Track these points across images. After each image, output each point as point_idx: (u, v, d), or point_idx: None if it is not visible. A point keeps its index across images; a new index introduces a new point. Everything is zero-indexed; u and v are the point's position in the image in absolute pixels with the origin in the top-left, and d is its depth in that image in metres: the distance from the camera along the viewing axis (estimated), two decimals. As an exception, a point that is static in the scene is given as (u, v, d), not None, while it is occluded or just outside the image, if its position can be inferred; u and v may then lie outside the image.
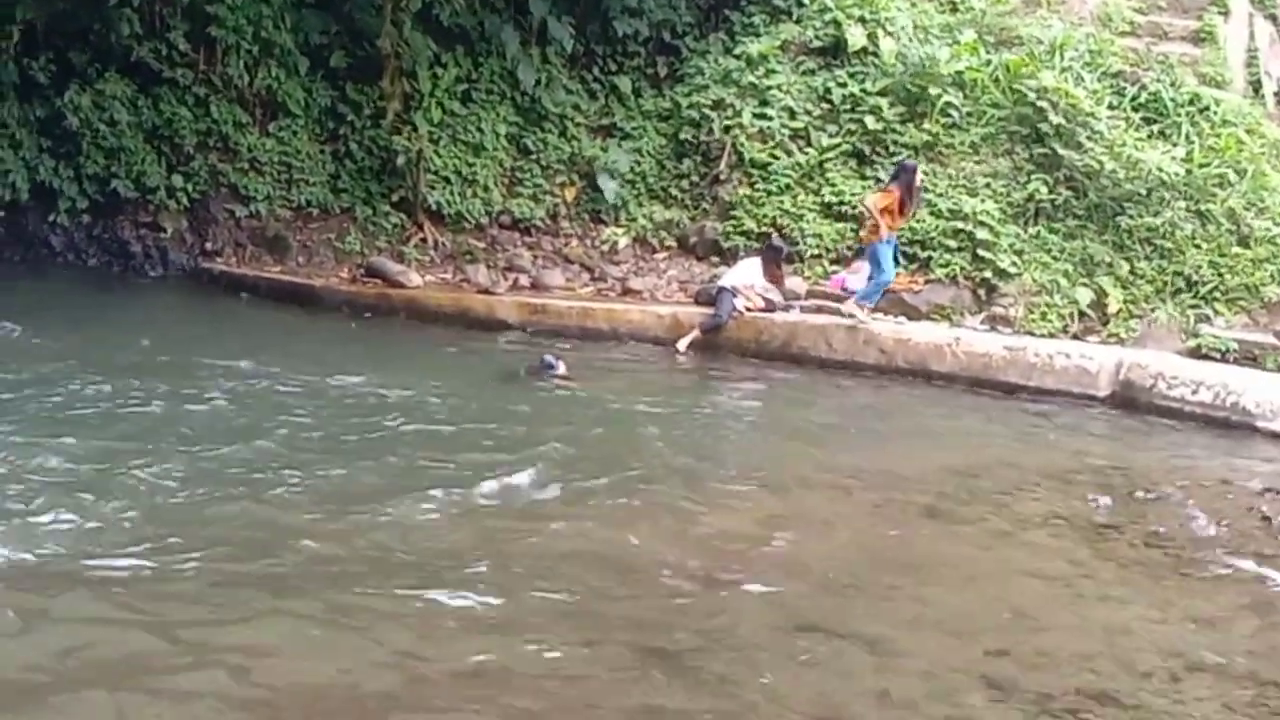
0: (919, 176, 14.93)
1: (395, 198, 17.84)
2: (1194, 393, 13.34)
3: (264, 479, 9.14)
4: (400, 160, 17.60)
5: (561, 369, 13.05)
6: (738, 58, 18.00)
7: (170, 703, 5.80)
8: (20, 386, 11.31)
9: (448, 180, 17.82)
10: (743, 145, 17.33)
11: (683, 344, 14.91)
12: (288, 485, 9.03)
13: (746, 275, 15.28)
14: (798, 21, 18.25)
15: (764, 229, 16.60)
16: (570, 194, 18.07)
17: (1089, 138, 16.11)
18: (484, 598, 7.23)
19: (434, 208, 17.68)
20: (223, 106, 17.72)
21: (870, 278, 14.87)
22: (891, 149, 16.80)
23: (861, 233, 15.37)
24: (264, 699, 5.90)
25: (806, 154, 17.12)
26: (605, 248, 17.53)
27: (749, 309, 15.07)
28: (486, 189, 17.88)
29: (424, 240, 17.66)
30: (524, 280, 16.89)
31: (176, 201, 17.65)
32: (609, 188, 17.73)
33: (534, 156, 18.25)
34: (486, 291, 16.46)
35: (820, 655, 6.79)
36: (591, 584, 7.59)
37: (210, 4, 16.67)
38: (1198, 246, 15.51)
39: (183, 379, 11.95)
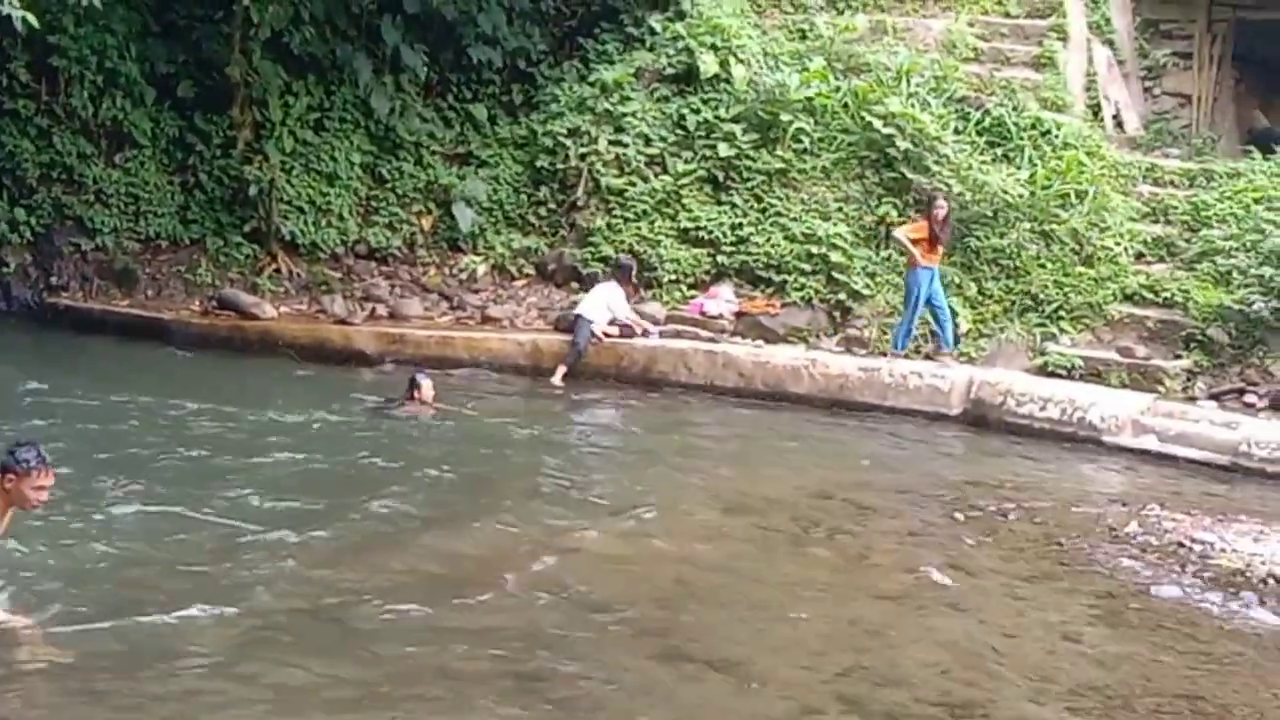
0: (939, 208, 14.79)
1: (247, 228, 17.56)
2: (1042, 409, 13.68)
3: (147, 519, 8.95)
4: (252, 190, 17.33)
5: (425, 390, 12.91)
6: (592, 85, 18.08)
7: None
8: None
9: (301, 210, 17.60)
10: (599, 172, 17.40)
11: (557, 377, 14.88)
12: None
13: (603, 300, 15.30)
14: (651, 49, 18.40)
15: (622, 254, 16.66)
16: (427, 223, 17.97)
17: (936, 161, 16.47)
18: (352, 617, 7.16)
19: (288, 238, 17.45)
20: (66, 138, 17.28)
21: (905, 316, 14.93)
22: (745, 174, 17.01)
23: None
24: None
25: (662, 180, 17.24)
26: (464, 276, 17.46)
27: (606, 334, 15.11)
28: (342, 218, 17.71)
29: (278, 271, 17.41)
30: (382, 310, 16.72)
31: (19, 235, 17.14)
32: (465, 216, 17.67)
33: (389, 185, 18.12)
34: (343, 322, 16.26)
35: (681, 677, 6.80)
36: (455, 605, 7.53)
37: (52, 34, 16.26)
38: (1043, 266, 15.92)
39: (34, 416, 11.62)
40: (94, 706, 6.04)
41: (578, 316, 15.22)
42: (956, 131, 16.97)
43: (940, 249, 14.88)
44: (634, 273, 15.88)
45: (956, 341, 15.05)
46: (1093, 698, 6.84)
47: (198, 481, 9.85)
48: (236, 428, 11.81)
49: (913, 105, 16.95)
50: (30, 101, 17.23)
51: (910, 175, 16.46)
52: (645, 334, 15.29)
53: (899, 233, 15.14)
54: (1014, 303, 15.80)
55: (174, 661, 6.56)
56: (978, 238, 16.04)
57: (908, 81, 17.42)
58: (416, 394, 12.82)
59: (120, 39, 17.36)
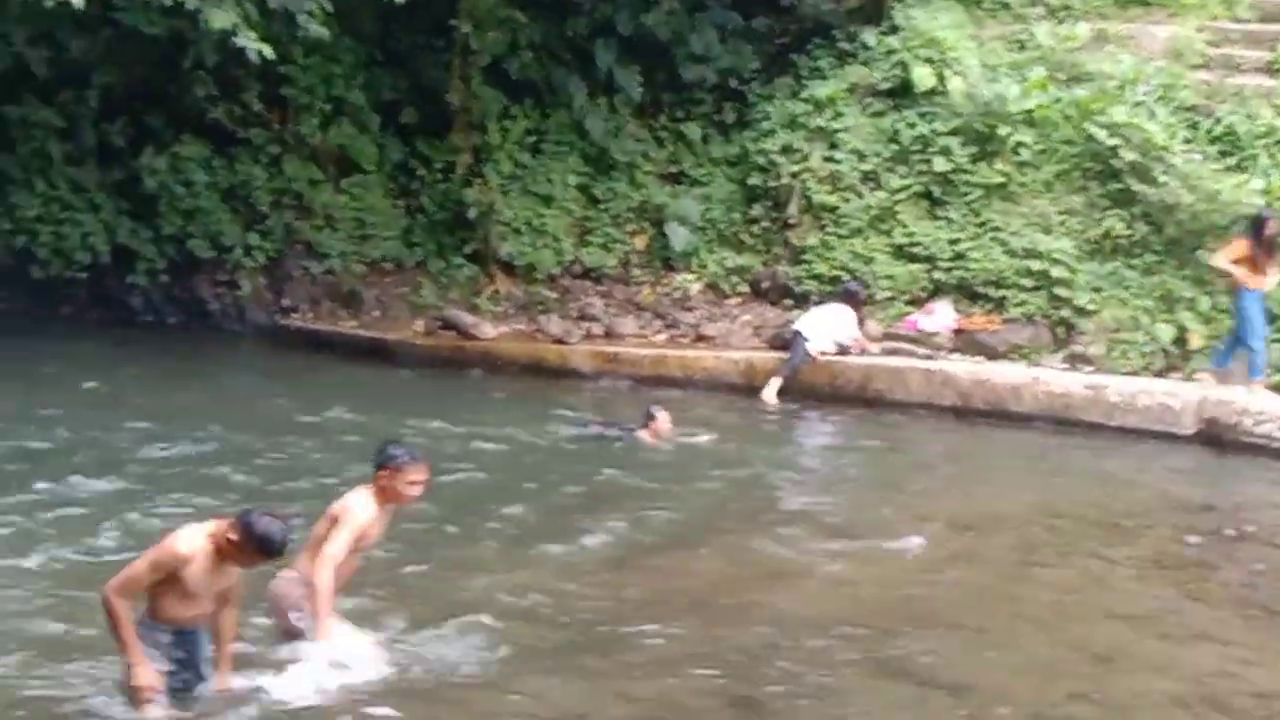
0: (1270, 225, 13.81)
1: (468, 250, 17.94)
2: (1281, 429, 13.05)
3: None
4: (472, 213, 17.72)
5: (661, 422, 12.87)
6: (805, 101, 17.94)
7: None
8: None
9: (519, 231, 17.90)
10: (812, 189, 17.26)
11: (769, 394, 14.78)
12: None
13: (827, 320, 15.14)
14: (864, 64, 18.16)
15: (836, 272, 16.48)
16: (641, 242, 18.08)
17: (1164, 172, 15.86)
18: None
19: (506, 259, 17.76)
20: (296, 164, 17.97)
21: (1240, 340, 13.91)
22: (962, 189, 16.65)
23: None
24: None
25: (877, 196, 17.00)
26: (677, 294, 17.50)
27: (823, 353, 14.97)
28: (557, 239, 17.95)
29: (497, 291, 17.74)
30: (597, 329, 16.88)
31: (253, 259, 17.89)
32: (679, 235, 17.72)
33: (604, 206, 18.29)
34: (560, 341, 16.48)
35: (907, 700, 6.68)
36: (680, 629, 7.54)
37: (282, 65, 16.92)
38: (1282, 279, 15.21)
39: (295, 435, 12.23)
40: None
41: (796, 333, 15.11)
42: (1185, 141, 16.34)
43: (1272, 269, 13.87)
44: (862, 296, 15.65)
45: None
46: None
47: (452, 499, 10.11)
48: (461, 446, 12.04)
49: (1138, 115, 16.37)
50: (262, 130, 17.97)
51: (1136, 187, 15.89)
52: (863, 353, 15.10)
53: (1216, 259, 14.38)
54: (1250, 318, 15.11)
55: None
56: (1210, 250, 15.41)
57: (1133, 90, 16.84)
58: (651, 425, 12.80)
59: (346, 68, 17.99)
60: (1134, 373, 14.65)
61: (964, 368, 14.76)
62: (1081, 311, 15.37)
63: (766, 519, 10.19)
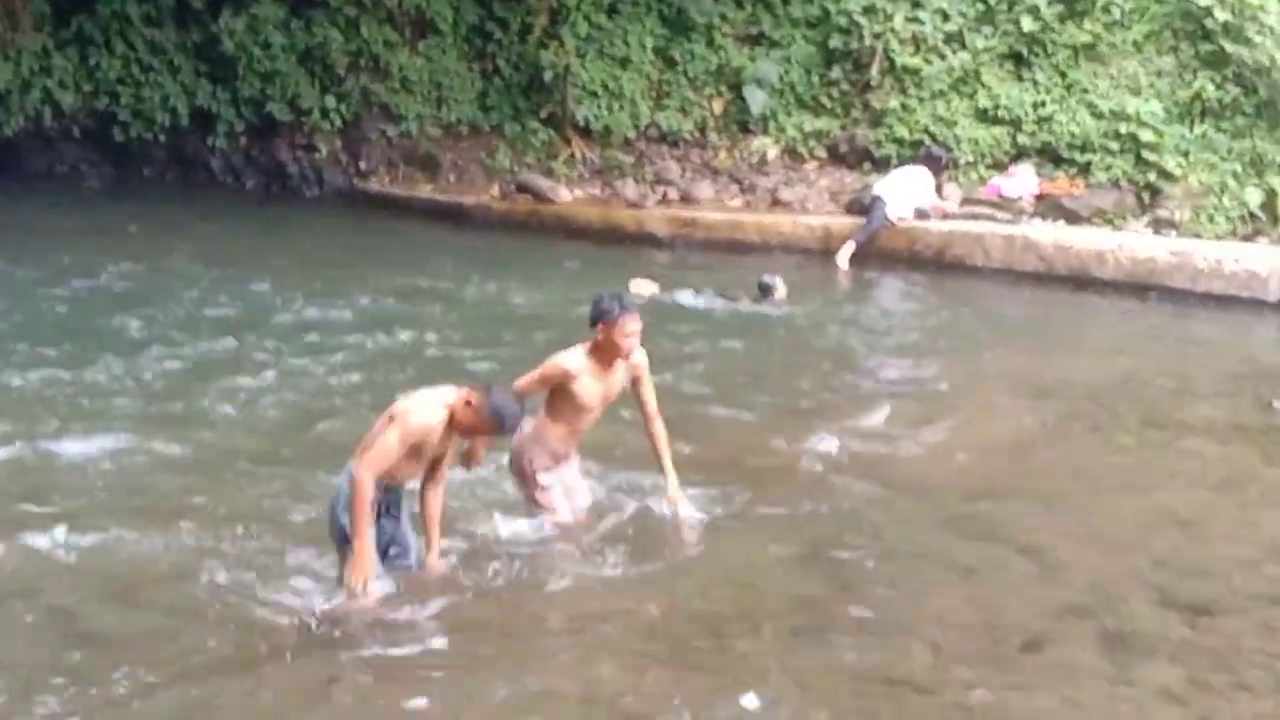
0: None
1: (543, 114, 17.85)
2: (1370, 296, 12.80)
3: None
4: (547, 76, 17.60)
5: (781, 291, 12.93)
6: (889, -40, 17.54)
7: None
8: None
9: (595, 94, 17.76)
10: (894, 51, 16.94)
11: (843, 259, 14.67)
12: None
13: (906, 185, 14.95)
14: (949, -79, 17.70)
15: (916, 136, 16.25)
16: (718, 105, 17.87)
17: (1258, 32, 15.40)
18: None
19: (581, 123, 17.65)
20: (373, 27, 17.91)
21: None
22: (1049, 49, 16.29)
23: None
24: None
25: (960, 57, 16.67)
26: (754, 159, 17.33)
27: (901, 218, 14.80)
28: (634, 102, 17.79)
29: (572, 155, 17.67)
30: (673, 193, 16.79)
31: (330, 122, 17.93)
32: (756, 98, 17.49)
33: (680, 68, 18.06)
34: (635, 205, 16.42)
35: (984, 564, 6.71)
36: (755, 489, 7.60)
37: (358, -74, 16.83)
38: (1375, 142, 14.81)
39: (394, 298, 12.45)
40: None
41: (875, 198, 14.94)
42: (1281, 0, 15.82)
43: None
44: (944, 161, 15.42)
45: None
46: None
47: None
48: (549, 312, 12.11)
49: (1234, -28, 15.86)
50: (338, -8, 17.89)
51: (1229, 48, 15.44)
52: (943, 217, 14.92)
53: None
54: (1343, 181, 14.75)
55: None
56: (1304, 111, 15.01)
57: (1228, -53, 16.30)
58: (775, 296, 12.83)
59: (422, -72, 17.82)
60: (1220, 238, 14.39)
61: (1046, 233, 14.54)
62: (1168, 175, 15.07)
63: (843, 382, 10.19)
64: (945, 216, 14.94)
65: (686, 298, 12.96)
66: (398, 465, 5.91)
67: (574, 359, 6.59)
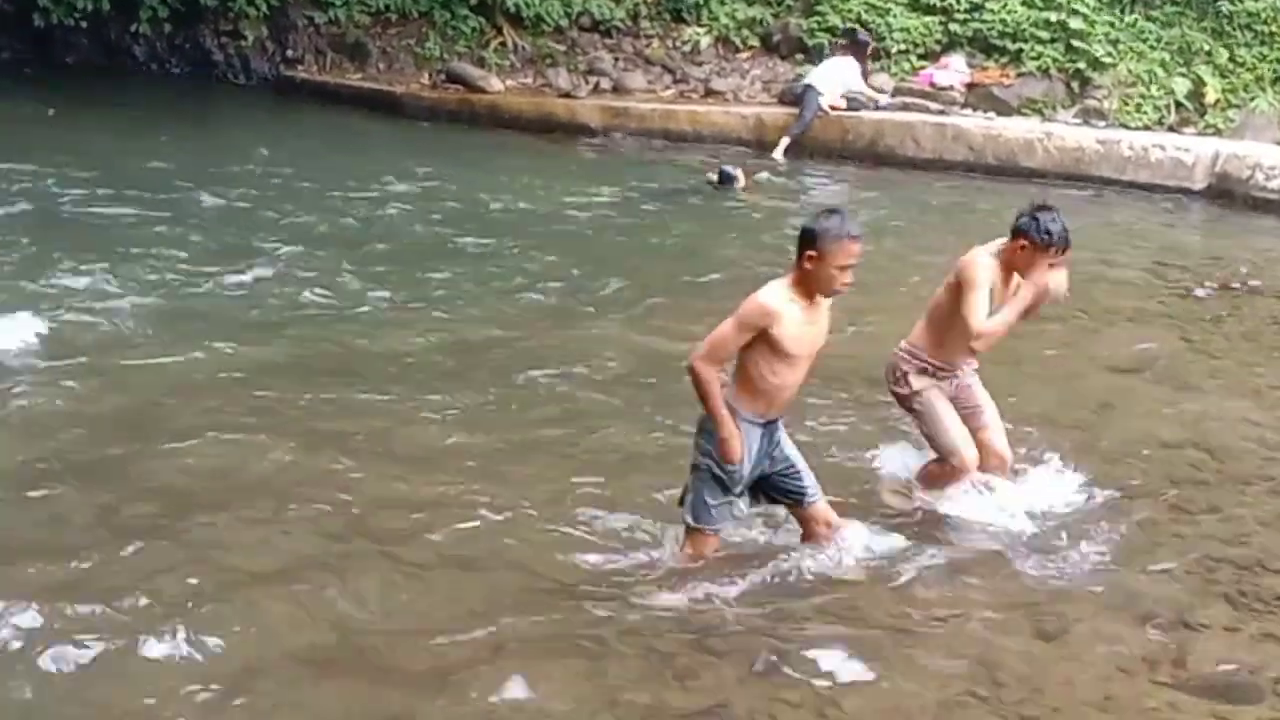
0: None
1: (474, 1, 17.57)
2: (1293, 184, 13.01)
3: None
4: (477, -39, 17.32)
5: (741, 181, 13.00)
6: None
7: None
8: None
9: (526, -20, 17.51)
10: (827, -63, 16.82)
11: (779, 151, 14.69)
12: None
13: (836, 73, 14.94)
14: None
15: (850, 25, 16.19)
16: (651, -8, 17.70)
17: (1191, -85, 15.45)
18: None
19: (512, 10, 17.39)
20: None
21: None
22: (984, -63, 16.24)
23: None
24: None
25: (894, -56, 16.58)
26: (687, 48, 17.21)
27: (834, 108, 14.81)
28: (564, -11, 17.57)
29: (503, 44, 17.46)
30: (605, 84, 16.68)
31: (256, 8, 17.53)
32: (689, -15, 17.33)
33: (616, -47, 17.83)
34: (568, 95, 16.29)
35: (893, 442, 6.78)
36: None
37: None
38: (1301, 32, 14.95)
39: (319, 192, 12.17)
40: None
41: (807, 87, 14.91)
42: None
43: None
44: (870, 48, 15.39)
45: None
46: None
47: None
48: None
49: None
50: None
51: (1162, -69, 15.50)
52: (876, 107, 14.94)
53: None
54: (1267, 71, 14.90)
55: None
56: (1231, 1, 15.08)
57: None
58: (737, 185, 12.98)
59: None
60: (1148, 127, 14.52)
61: (976, 122, 14.62)
62: (1097, 64, 15.16)
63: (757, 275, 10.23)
64: (877, 107, 14.95)
65: None
66: (763, 375, 5.08)
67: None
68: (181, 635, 4.59)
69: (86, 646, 4.52)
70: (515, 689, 4.45)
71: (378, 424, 6.70)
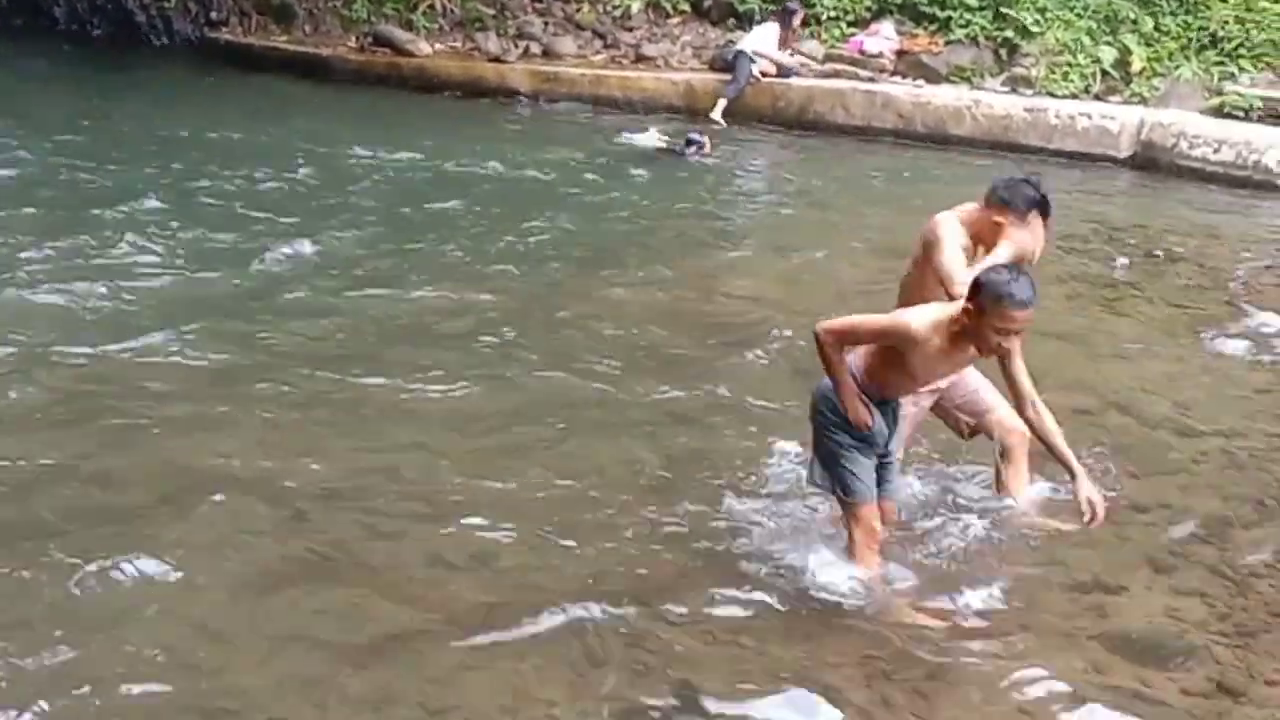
0: None
1: (402, -38, 17.39)
2: (1216, 152, 13.16)
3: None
4: (406, -78, 17.11)
5: (707, 146, 13.06)
6: None
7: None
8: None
9: (455, -58, 17.34)
10: (759, -97, 16.76)
11: (717, 113, 14.68)
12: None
13: (763, 40, 14.93)
14: None
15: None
16: (581, -44, 17.57)
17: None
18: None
19: (442, -29, 17.25)
20: None
21: None
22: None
23: None
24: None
25: (826, -90, 16.55)
26: (618, 13, 17.12)
27: (765, 74, 14.80)
28: (495, -50, 17.40)
29: (431, 6, 17.27)
30: (535, 48, 16.55)
31: (179, -31, 17.29)
32: (620, -52, 17.21)
33: (541, -85, 17.67)
34: (498, 60, 16.16)
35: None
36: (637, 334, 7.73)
37: None
38: (1224, 0, 15.08)
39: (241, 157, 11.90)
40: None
41: (739, 53, 14.88)
42: None
43: None
44: (799, 15, 15.35)
45: None
46: (1252, 441, 6.72)
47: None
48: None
49: None
50: None
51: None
52: (797, 74, 14.93)
53: None
54: (1191, 40, 15.04)
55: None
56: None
57: None
58: (701, 152, 13.00)
59: None
60: (1075, 95, 14.63)
61: (905, 90, 14.66)
62: (1026, 32, 15.23)
63: (697, 240, 10.23)
64: (780, 71, 14.92)
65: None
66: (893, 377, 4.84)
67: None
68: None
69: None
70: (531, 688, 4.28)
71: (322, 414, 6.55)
